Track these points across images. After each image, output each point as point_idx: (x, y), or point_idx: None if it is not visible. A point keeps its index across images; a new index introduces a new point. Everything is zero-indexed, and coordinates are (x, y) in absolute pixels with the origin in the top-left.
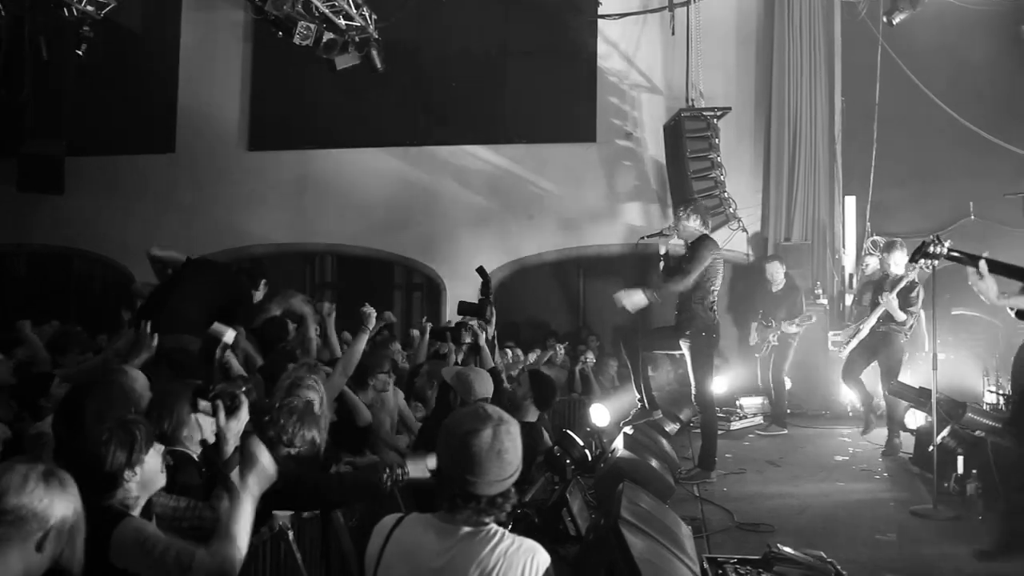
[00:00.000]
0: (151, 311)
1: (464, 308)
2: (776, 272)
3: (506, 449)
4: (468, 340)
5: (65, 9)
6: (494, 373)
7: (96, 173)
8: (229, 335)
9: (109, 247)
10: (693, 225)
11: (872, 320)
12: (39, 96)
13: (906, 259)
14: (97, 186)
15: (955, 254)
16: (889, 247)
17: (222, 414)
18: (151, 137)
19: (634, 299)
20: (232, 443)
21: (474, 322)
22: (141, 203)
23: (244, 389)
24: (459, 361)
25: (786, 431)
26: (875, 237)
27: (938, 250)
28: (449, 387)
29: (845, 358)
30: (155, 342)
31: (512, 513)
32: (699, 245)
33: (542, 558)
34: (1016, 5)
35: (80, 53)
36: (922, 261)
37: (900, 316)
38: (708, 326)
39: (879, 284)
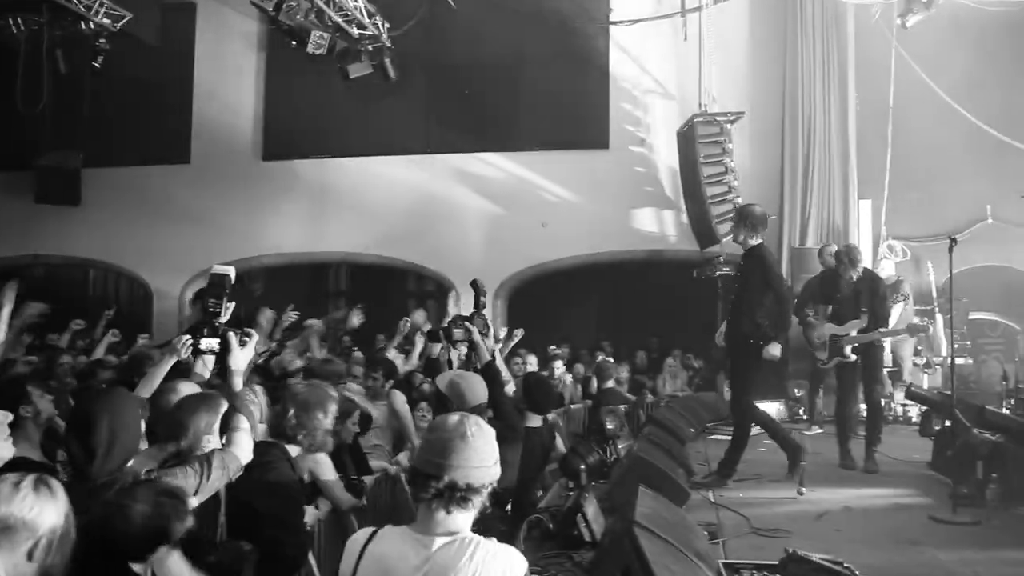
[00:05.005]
0: None
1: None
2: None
3: (472, 435)
4: (462, 337)
5: (82, 22)
6: (491, 369)
7: (112, 184)
8: (232, 271)
9: (124, 257)
10: (743, 237)
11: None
12: (56, 109)
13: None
14: (113, 197)
15: None
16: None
17: (235, 344)
18: (167, 148)
19: (773, 352)
20: (240, 378)
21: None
22: (156, 214)
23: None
24: (451, 360)
25: None
26: (891, 241)
27: None
28: (445, 395)
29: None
30: None
31: (522, 516)
32: (758, 259)
33: (519, 563)
34: None
35: (96, 65)
36: None
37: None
38: (753, 334)
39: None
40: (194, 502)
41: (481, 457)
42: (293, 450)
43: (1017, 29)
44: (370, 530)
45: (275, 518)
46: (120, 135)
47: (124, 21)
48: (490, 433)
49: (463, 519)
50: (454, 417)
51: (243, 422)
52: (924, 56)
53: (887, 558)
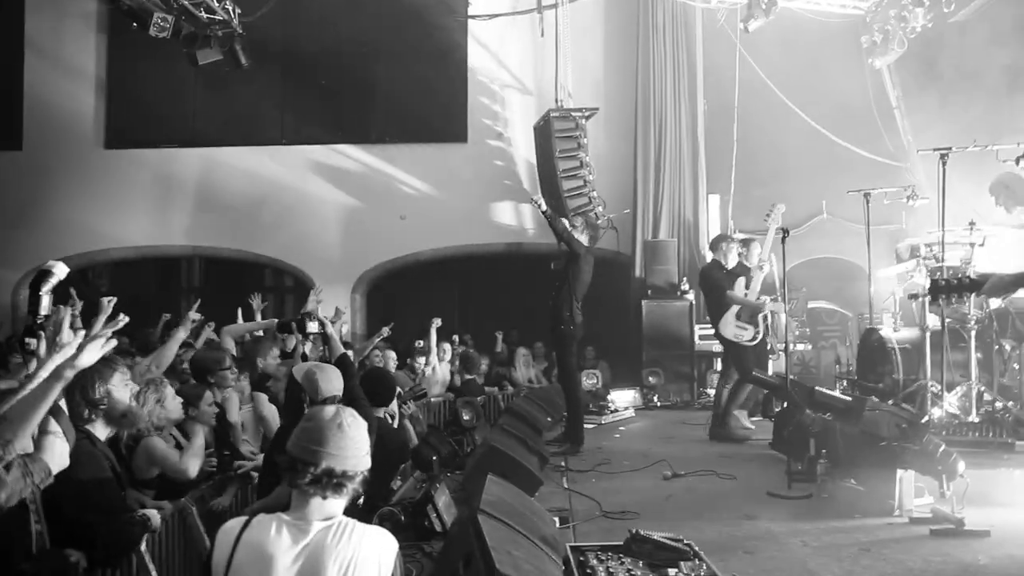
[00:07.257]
0: None
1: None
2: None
3: (348, 424)
4: (315, 330)
5: None
6: (345, 361)
7: None
8: (61, 269)
9: None
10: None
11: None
12: None
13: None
14: None
15: None
16: (747, 243)
17: (43, 345)
18: None
19: None
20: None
21: (315, 304)
22: None
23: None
24: (306, 354)
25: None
26: (737, 234)
27: None
28: (299, 385)
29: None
30: None
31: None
32: None
33: (391, 543)
34: (859, 19)
35: None
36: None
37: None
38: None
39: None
40: None
41: (356, 446)
42: (100, 432)
43: (848, 38)
44: (242, 519)
45: (87, 502)
46: None
47: None
48: (363, 424)
49: (337, 505)
50: (330, 408)
51: (53, 425)
52: (766, 60)
53: (726, 532)
